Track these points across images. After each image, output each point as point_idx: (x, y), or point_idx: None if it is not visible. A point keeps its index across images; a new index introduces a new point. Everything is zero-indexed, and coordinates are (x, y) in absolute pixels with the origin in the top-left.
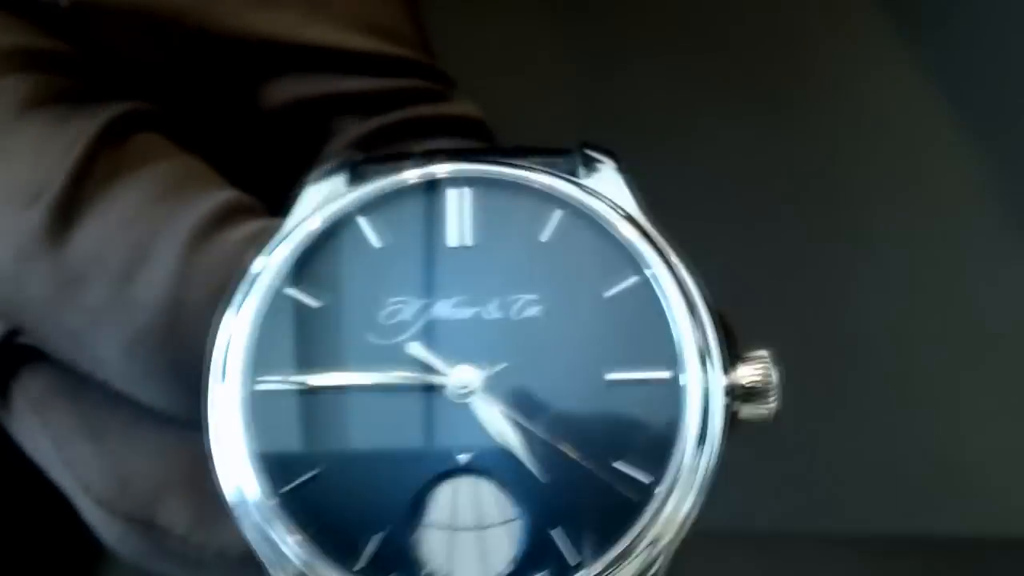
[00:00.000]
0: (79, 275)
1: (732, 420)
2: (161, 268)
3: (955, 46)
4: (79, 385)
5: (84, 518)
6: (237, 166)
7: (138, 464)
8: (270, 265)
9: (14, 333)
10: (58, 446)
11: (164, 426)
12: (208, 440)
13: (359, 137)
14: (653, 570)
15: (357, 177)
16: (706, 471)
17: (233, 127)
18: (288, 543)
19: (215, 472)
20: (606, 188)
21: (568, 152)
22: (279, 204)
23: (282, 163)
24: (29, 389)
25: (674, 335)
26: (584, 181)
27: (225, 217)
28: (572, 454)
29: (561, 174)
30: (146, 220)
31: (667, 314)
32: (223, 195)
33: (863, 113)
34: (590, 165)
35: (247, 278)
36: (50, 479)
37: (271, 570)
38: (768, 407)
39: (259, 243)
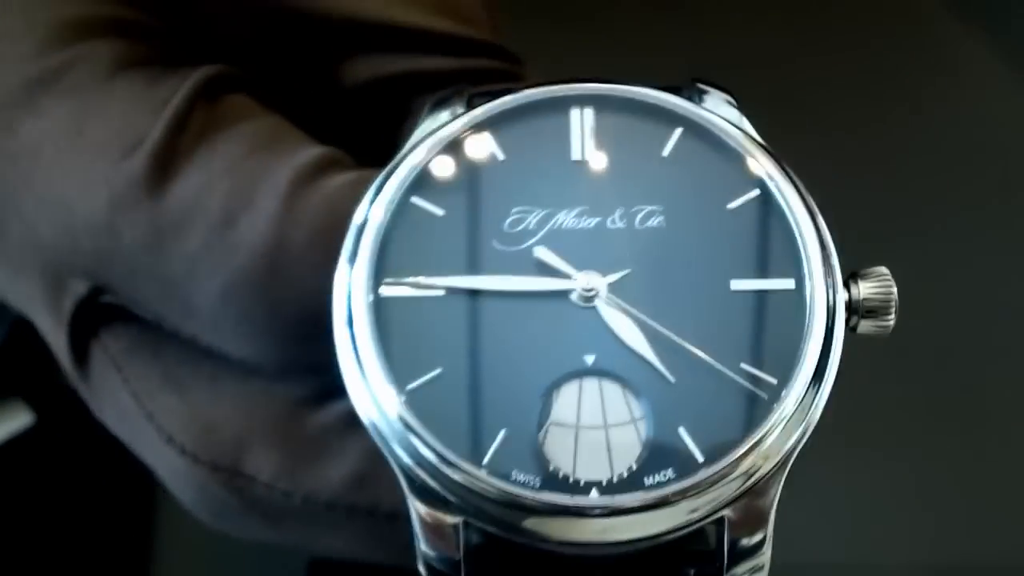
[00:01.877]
0: (178, 222)
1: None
2: (262, 213)
3: None
4: (161, 343)
5: (162, 478)
6: (316, 138)
7: (223, 414)
8: (394, 179)
9: (97, 292)
10: (140, 400)
11: (248, 379)
12: (335, 346)
13: None
14: (780, 474)
15: (472, 102)
16: (828, 378)
17: (312, 102)
18: (416, 439)
19: (342, 376)
20: (719, 110)
21: (683, 87)
22: None
23: (358, 140)
24: (109, 347)
25: (798, 246)
26: (704, 105)
27: (323, 167)
28: (699, 354)
29: (684, 97)
30: (244, 170)
31: (791, 226)
32: (318, 148)
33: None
34: (704, 95)
35: (370, 194)
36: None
37: (400, 472)
38: (887, 323)
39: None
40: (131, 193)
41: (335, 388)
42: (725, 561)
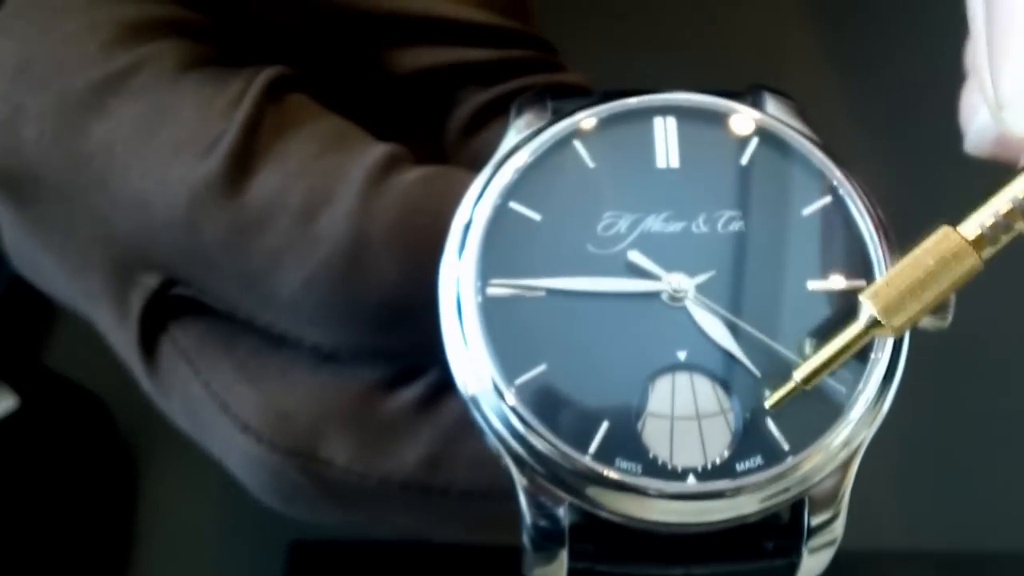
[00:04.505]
0: (258, 219)
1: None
2: (341, 208)
3: None
4: (232, 334)
5: (233, 467)
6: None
7: (298, 401)
8: (495, 183)
9: (167, 285)
10: (213, 391)
11: (321, 366)
12: (445, 342)
13: (483, 104)
14: (854, 461)
15: (558, 111)
16: (898, 371)
17: (359, 94)
18: (527, 430)
19: (452, 373)
20: (785, 118)
21: (747, 93)
22: None
23: (404, 129)
24: (179, 340)
25: (868, 249)
26: (769, 112)
27: (392, 163)
28: (781, 350)
29: (751, 105)
30: (319, 169)
31: (861, 231)
32: (384, 145)
33: None
34: (766, 100)
35: (473, 195)
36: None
37: (509, 458)
38: (945, 320)
39: (441, 182)
40: (210, 192)
41: (404, 373)
42: (804, 536)
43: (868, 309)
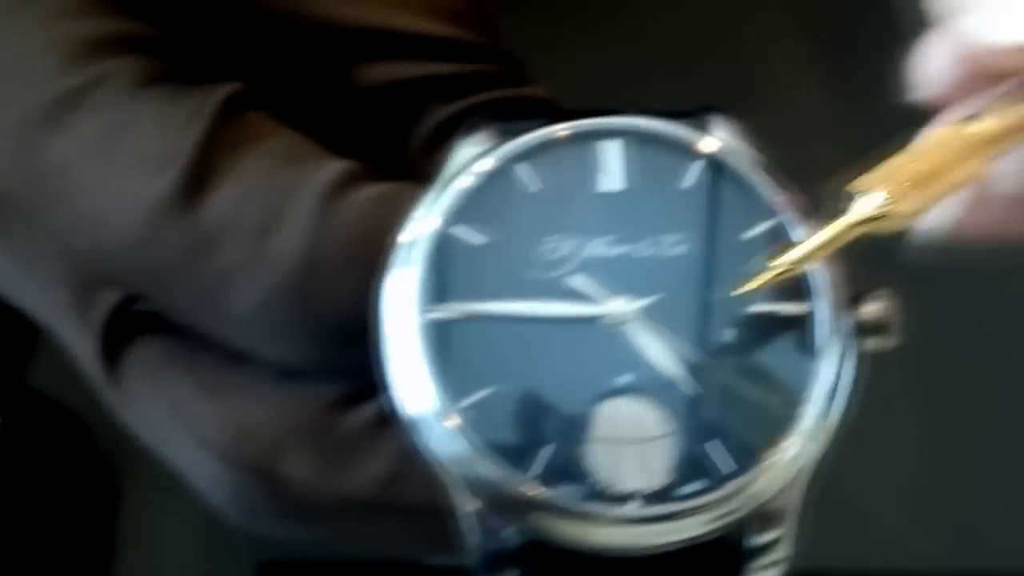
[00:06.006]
0: (213, 237)
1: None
2: (296, 226)
3: None
4: (194, 350)
5: (194, 483)
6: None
7: (258, 418)
8: (439, 206)
9: (130, 301)
10: (174, 408)
11: (282, 382)
12: (384, 368)
13: (445, 118)
14: (803, 478)
15: (505, 133)
16: (841, 393)
17: (322, 109)
18: (472, 454)
19: (392, 397)
20: (731, 142)
21: (695, 114)
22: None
23: (369, 144)
24: (141, 355)
25: (808, 274)
26: (715, 136)
27: (349, 180)
28: (722, 375)
29: (697, 128)
30: (275, 185)
31: None
32: (342, 163)
33: None
34: (713, 122)
35: (416, 217)
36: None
37: (453, 484)
38: (889, 340)
39: (397, 200)
40: (166, 209)
41: (364, 390)
42: (749, 556)
43: (870, 199)
